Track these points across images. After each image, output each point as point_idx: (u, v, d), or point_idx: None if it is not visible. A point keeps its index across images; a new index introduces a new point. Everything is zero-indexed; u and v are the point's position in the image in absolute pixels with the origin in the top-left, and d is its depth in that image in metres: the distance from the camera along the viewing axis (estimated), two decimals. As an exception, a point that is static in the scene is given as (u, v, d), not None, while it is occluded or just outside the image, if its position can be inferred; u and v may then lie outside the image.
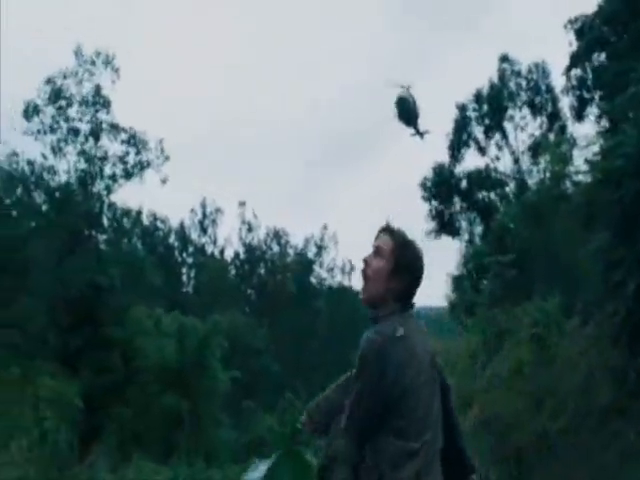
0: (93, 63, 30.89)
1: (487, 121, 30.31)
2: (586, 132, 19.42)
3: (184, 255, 51.97)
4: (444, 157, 29.54)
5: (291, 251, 55.19)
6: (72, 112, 31.04)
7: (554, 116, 29.62)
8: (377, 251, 2.96)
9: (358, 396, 2.78)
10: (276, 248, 54.67)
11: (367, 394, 2.76)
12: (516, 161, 30.12)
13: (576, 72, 25.04)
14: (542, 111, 30.16)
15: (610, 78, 18.43)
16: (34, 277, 26.19)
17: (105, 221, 32.86)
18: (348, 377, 3.19)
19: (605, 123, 20.49)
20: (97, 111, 31.39)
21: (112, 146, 31.93)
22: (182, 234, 51.68)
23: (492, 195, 29.71)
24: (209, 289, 48.05)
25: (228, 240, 53.23)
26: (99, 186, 31.73)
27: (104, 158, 31.59)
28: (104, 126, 31.56)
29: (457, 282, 23.69)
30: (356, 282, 45.33)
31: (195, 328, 30.38)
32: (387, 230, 2.99)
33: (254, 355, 41.61)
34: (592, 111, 24.88)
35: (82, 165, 31.20)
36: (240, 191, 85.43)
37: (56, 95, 30.61)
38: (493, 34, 69.22)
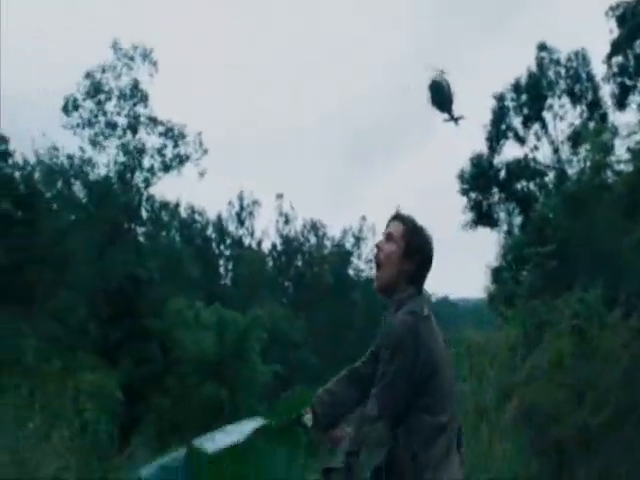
0: (132, 58, 31.17)
1: (526, 111, 29.78)
2: (628, 120, 19.00)
3: (222, 247, 52.04)
4: (482, 149, 29.26)
5: (328, 243, 55.14)
6: (110, 106, 31.36)
7: (594, 104, 29.03)
8: (389, 237, 3.07)
9: (393, 378, 2.79)
10: (313, 240, 54.68)
11: (403, 375, 2.79)
12: (555, 151, 29.63)
13: (617, 59, 24.63)
14: (582, 100, 29.57)
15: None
16: (74, 270, 26.46)
17: (144, 214, 33.10)
18: (351, 369, 3.30)
19: (647, 111, 20.16)
20: (135, 104, 31.65)
21: (150, 139, 32.23)
22: (220, 226, 51.77)
23: (531, 185, 29.28)
24: (247, 281, 48.13)
25: (265, 232, 53.25)
26: (138, 179, 32.06)
27: (142, 151, 31.86)
28: (142, 119, 31.83)
29: (496, 273, 23.45)
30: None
31: (235, 321, 30.54)
32: (398, 217, 3.12)
33: (292, 348, 41.71)
34: (634, 99, 24.51)
35: (121, 158, 31.50)
36: (278, 183, 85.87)
37: (95, 89, 30.93)
38: (531, 25, 68.13)
